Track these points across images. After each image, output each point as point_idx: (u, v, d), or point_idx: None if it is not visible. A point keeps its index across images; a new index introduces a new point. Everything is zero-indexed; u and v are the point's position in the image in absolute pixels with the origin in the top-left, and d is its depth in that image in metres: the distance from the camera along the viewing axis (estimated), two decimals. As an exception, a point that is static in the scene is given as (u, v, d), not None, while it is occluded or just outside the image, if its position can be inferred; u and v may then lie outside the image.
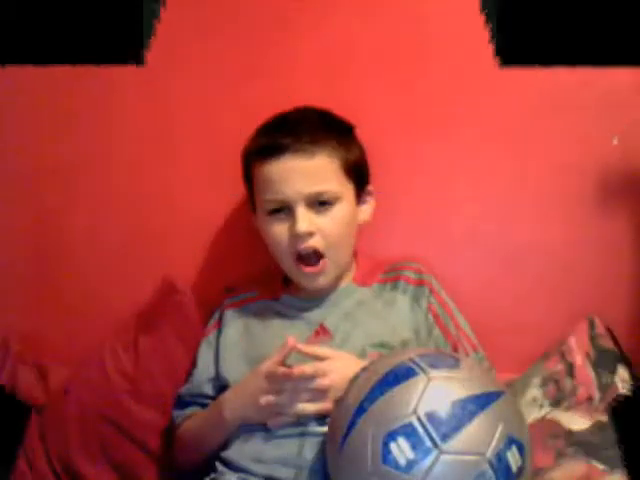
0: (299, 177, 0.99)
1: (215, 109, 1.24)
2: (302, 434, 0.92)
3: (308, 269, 1.01)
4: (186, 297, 1.19)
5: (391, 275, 1.09)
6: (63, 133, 1.29)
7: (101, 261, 1.28)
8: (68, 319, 1.28)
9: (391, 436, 0.72)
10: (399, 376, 0.76)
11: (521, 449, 0.75)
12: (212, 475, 0.97)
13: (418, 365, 0.77)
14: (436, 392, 0.75)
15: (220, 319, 1.11)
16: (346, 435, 0.76)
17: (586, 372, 1.01)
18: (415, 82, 1.20)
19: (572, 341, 1.06)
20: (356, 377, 0.82)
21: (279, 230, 1.01)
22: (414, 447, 0.71)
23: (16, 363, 1.22)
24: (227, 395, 1.01)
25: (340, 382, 0.87)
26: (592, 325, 1.07)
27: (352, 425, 0.75)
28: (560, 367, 1.05)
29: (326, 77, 1.21)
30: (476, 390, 0.75)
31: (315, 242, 1.00)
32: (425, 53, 1.19)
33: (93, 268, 1.28)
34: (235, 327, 1.09)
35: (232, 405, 0.98)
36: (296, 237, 0.99)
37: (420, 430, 0.72)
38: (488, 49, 1.14)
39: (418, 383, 0.75)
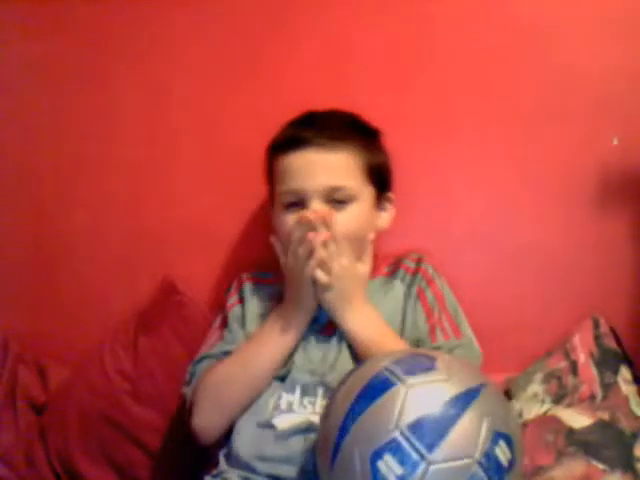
0: (318, 170, 0.98)
1: (215, 109, 1.24)
2: (307, 431, 0.93)
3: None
4: (186, 297, 1.20)
5: (393, 267, 1.09)
6: (63, 133, 1.29)
7: (101, 261, 1.28)
8: (68, 319, 1.28)
9: (377, 454, 0.71)
10: (376, 389, 0.75)
11: (509, 442, 0.73)
12: (214, 472, 0.97)
13: (394, 374, 0.75)
14: (416, 401, 0.73)
15: (241, 294, 1.08)
16: (334, 455, 0.75)
17: (589, 370, 1.01)
18: (416, 82, 1.20)
19: (576, 339, 1.06)
20: (335, 392, 0.80)
21: (291, 222, 0.99)
22: (402, 462, 0.70)
23: (16, 363, 1.22)
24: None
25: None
26: (597, 324, 1.07)
27: (338, 446, 0.74)
28: (563, 364, 1.05)
29: (326, 77, 1.21)
30: (456, 390, 0.74)
31: (325, 235, 0.98)
32: (426, 53, 1.19)
33: (93, 268, 1.28)
34: (255, 303, 1.06)
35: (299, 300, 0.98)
36: (304, 225, 0.97)
37: (405, 444, 0.70)
38: (489, 48, 1.14)
39: (396, 394, 0.73)
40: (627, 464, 0.88)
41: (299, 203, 0.99)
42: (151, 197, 1.26)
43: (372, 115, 1.17)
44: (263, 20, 1.23)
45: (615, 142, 1.13)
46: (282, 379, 0.98)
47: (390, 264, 1.10)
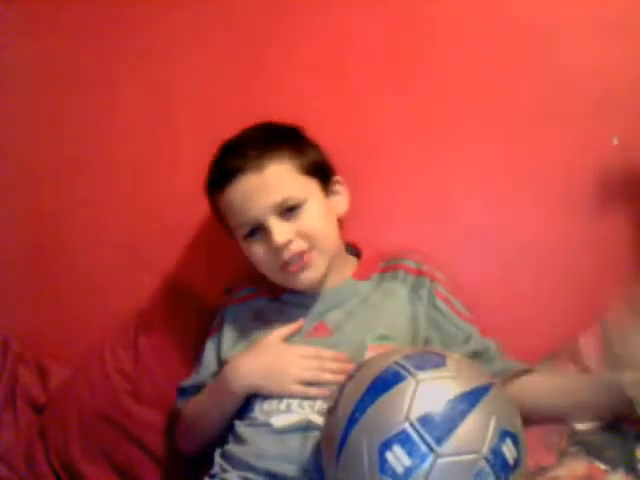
0: (258, 193, 0.99)
1: (215, 109, 1.24)
2: (305, 429, 0.93)
3: (294, 267, 1.01)
4: (186, 297, 1.20)
5: (392, 263, 1.09)
6: (63, 133, 1.29)
7: (101, 261, 1.28)
8: (68, 319, 1.28)
9: (386, 445, 0.72)
10: (387, 382, 0.76)
11: (515, 440, 0.74)
12: (212, 472, 0.97)
13: (404, 368, 0.76)
14: (426, 395, 0.74)
15: (222, 318, 1.11)
16: (341, 447, 0.75)
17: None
18: (416, 81, 1.20)
19: (587, 343, 1.05)
20: (343, 386, 0.81)
21: (260, 250, 1.02)
22: (410, 454, 0.71)
23: (16, 363, 1.22)
24: (232, 367, 1.00)
25: None
26: (605, 329, 1.06)
27: (345, 437, 0.75)
28: (573, 369, 1.04)
29: (326, 77, 1.21)
30: (465, 387, 0.75)
31: (297, 246, 1.00)
32: (425, 53, 1.19)
33: (93, 268, 1.28)
34: (235, 324, 1.09)
35: (238, 376, 0.99)
36: (277, 250, 0.99)
37: (414, 436, 0.71)
38: (489, 48, 1.14)
39: (407, 388, 0.74)
40: (629, 465, 0.89)
41: (257, 229, 1.01)
42: (151, 197, 1.26)
43: (372, 115, 1.17)
44: (263, 20, 1.23)
45: (615, 142, 1.13)
46: None
47: (384, 260, 1.10)
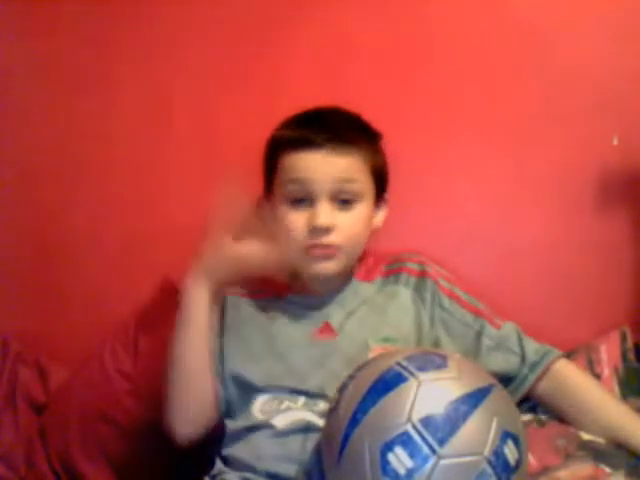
0: (329, 170, 0.98)
1: (215, 109, 1.24)
2: (306, 430, 0.93)
3: (319, 252, 1.00)
4: (186, 297, 1.19)
5: (394, 267, 1.09)
6: (63, 132, 1.29)
7: (101, 261, 1.28)
8: (68, 319, 1.28)
9: (388, 446, 0.71)
10: (389, 383, 0.75)
11: (516, 441, 0.74)
12: (212, 472, 0.97)
13: (406, 369, 0.76)
14: (428, 396, 0.74)
15: (223, 308, 1.08)
16: (342, 448, 0.75)
17: (611, 386, 1.00)
18: (416, 82, 1.20)
19: (603, 351, 1.05)
20: (344, 386, 0.81)
21: (298, 220, 0.99)
22: (412, 455, 0.70)
23: (16, 363, 1.22)
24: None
25: None
26: (624, 338, 1.06)
27: (347, 438, 0.74)
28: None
29: (326, 77, 1.21)
30: (467, 388, 0.75)
31: (333, 239, 0.99)
32: (426, 54, 1.20)
33: (93, 268, 1.28)
34: (238, 315, 1.07)
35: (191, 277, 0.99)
36: (314, 230, 0.98)
37: (416, 437, 0.71)
38: (489, 49, 1.14)
39: (409, 389, 0.74)
40: (634, 471, 0.88)
41: (305, 199, 0.99)
42: (151, 197, 1.26)
43: (372, 115, 1.17)
44: (263, 20, 1.23)
45: (615, 142, 1.13)
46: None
47: (387, 264, 1.10)
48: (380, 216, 1.08)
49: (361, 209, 1.01)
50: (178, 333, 1.00)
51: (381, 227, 1.09)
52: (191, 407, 1.00)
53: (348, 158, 0.99)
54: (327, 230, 0.98)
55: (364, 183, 1.01)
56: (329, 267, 1.01)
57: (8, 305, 1.29)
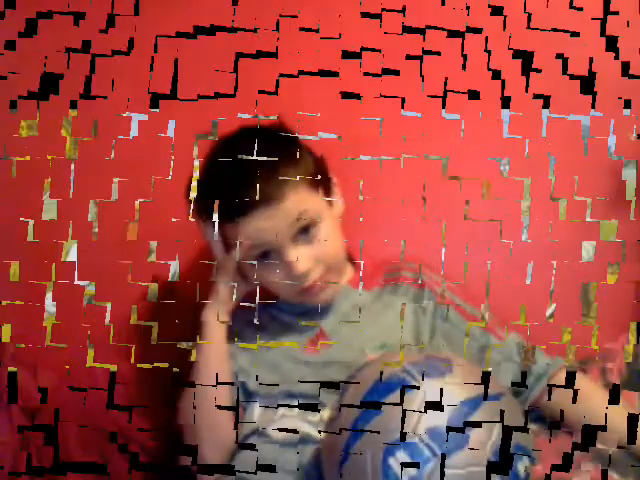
0: (274, 221, 0.96)
1: (214, 109, 1.24)
2: (301, 440, 0.92)
3: (313, 291, 0.99)
4: (186, 297, 1.19)
5: (392, 276, 1.08)
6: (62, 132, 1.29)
7: (101, 261, 1.27)
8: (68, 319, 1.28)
9: (391, 453, 0.71)
10: (392, 389, 0.75)
11: (525, 451, 0.73)
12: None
13: (410, 374, 0.76)
14: (432, 403, 0.73)
15: None
16: (344, 459, 0.74)
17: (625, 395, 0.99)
18: (416, 82, 1.20)
19: (616, 359, 1.04)
20: (344, 390, 0.80)
21: (273, 277, 0.99)
22: (416, 464, 0.70)
23: (16, 363, 1.22)
24: None
25: None
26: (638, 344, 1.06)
27: (349, 445, 0.74)
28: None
29: (325, 77, 1.21)
30: (472, 394, 0.74)
31: (317, 272, 0.98)
32: (426, 54, 1.19)
33: (93, 267, 1.28)
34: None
35: None
36: (297, 278, 0.97)
37: (420, 444, 0.70)
38: (489, 48, 1.14)
39: (412, 395, 0.73)
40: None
41: (269, 251, 0.98)
42: (151, 197, 1.26)
43: (372, 115, 1.17)
44: (263, 20, 1.23)
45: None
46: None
47: (385, 273, 1.09)
48: (338, 203, 1.05)
49: (324, 228, 0.99)
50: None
51: (343, 209, 1.06)
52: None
53: (287, 202, 0.96)
54: (309, 271, 0.96)
55: (312, 204, 0.99)
56: (329, 293, 1.01)
57: (8, 304, 1.29)
